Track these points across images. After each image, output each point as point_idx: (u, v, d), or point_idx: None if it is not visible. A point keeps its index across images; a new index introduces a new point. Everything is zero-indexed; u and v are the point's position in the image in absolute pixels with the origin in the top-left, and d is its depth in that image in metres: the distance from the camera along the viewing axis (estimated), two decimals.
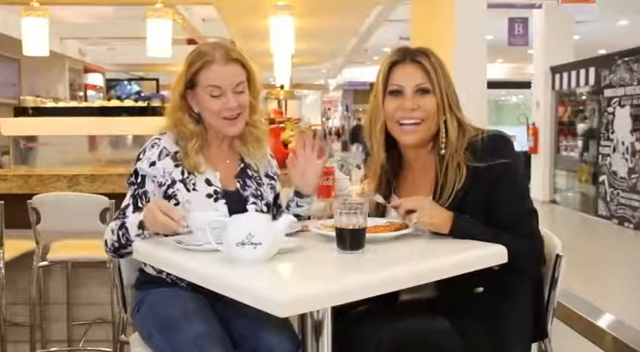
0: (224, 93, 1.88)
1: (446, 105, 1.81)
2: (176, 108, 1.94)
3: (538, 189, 9.74)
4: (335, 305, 1.44)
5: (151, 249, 1.72)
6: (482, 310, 1.73)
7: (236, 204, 1.86)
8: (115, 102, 5.08)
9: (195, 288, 1.76)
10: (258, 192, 1.99)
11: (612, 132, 8.13)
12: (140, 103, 5.03)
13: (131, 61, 13.71)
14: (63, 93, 11.82)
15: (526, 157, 10.19)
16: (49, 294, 3.23)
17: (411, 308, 1.85)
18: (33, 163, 4.24)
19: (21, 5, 6.25)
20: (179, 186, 1.89)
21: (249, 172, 2.01)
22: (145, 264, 1.91)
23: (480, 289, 1.72)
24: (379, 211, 1.94)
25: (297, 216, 1.91)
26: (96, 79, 13.88)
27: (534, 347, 1.86)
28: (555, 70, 9.98)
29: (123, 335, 2.04)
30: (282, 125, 3.39)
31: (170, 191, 1.88)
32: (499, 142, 1.78)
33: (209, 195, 1.90)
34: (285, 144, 3.23)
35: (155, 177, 1.89)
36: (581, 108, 9.53)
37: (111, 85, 12.80)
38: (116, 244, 1.83)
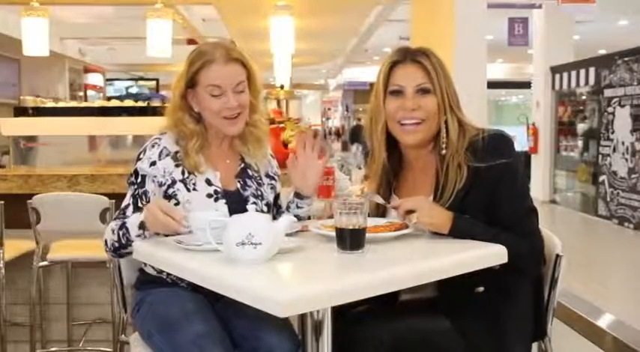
0: (224, 93, 1.88)
1: (446, 105, 1.81)
2: (176, 108, 1.94)
3: (538, 189, 9.74)
4: (335, 305, 1.44)
5: (151, 249, 1.72)
6: (482, 310, 1.73)
7: (236, 204, 1.86)
8: (115, 102, 5.08)
9: (195, 288, 1.76)
10: (259, 192, 1.99)
11: (612, 132, 8.13)
12: (140, 103, 5.03)
13: (131, 61, 13.71)
14: (63, 93, 11.82)
15: (526, 157, 10.20)
16: (49, 294, 3.23)
17: (411, 308, 1.85)
18: (33, 163, 4.24)
19: (21, 5, 6.25)
20: (179, 185, 1.89)
21: (250, 172, 2.01)
22: (145, 264, 1.91)
23: (481, 288, 1.72)
24: (379, 211, 1.94)
25: (296, 216, 1.90)
26: (96, 79, 13.89)
27: (534, 346, 1.87)
28: (555, 70, 9.98)
29: (123, 335, 2.04)
30: (282, 125, 3.39)
31: (170, 191, 1.88)
32: (500, 142, 1.78)
33: (209, 195, 1.90)
34: (285, 144, 3.23)
35: (155, 176, 1.89)
36: (581, 108, 9.53)
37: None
38: (116, 244, 1.83)
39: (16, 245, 3.02)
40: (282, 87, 5.82)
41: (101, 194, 2.88)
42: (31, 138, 4.28)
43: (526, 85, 13.40)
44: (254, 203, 1.86)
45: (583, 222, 8.58)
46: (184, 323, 1.70)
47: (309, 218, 2.03)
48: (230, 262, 1.51)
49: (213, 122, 1.92)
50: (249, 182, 1.99)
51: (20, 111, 4.71)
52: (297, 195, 1.98)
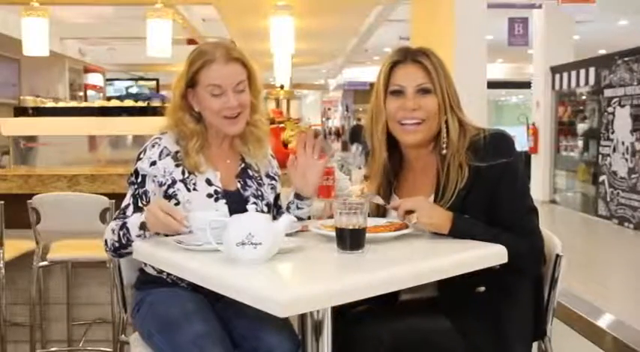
0: (224, 93, 1.88)
1: (447, 105, 1.81)
2: (177, 108, 1.94)
3: (538, 189, 9.74)
4: (335, 305, 1.44)
5: (151, 248, 1.72)
6: (483, 309, 1.73)
7: (236, 204, 1.86)
8: (115, 102, 5.08)
9: (195, 288, 1.76)
10: (259, 193, 1.98)
11: (612, 132, 8.13)
12: (140, 103, 5.03)
13: (131, 61, 13.72)
14: (63, 93, 11.83)
15: (526, 157, 10.20)
16: (49, 294, 3.23)
17: (411, 307, 1.85)
18: (33, 163, 4.23)
19: (21, 5, 6.25)
20: (179, 185, 1.89)
21: (250, 172, 2.01)
22: (146, 264, 1.91)
23: (482, 288, 1.72)
24: (380, 212, 1.94)
25: (296, 217, 1.90)
26: (96, 79, 13.90)
27: (534, 346, 1.87)
28: (555, 70, 9.98)
29: (123, 335, 2.04)
30: (282, 125, 3.39)
31: (170, 191, 1.88)
32: (501, 141, 1.78)
33: (209, 195, 1.90)
34: (285, 144, 3.23)
35: (155, 176, 1.89)
36: (581, 108, 9.53)
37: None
38: (116, 244, 1.83)
39: (16, 245, 3.02)
40: (282, 87, 5.82)
41: (101, 194, 2.88)
42: (31, 138, 4.28)
43: (526, 85, 13.40)
44: (254, 203, 1.86)
45: (583, 222, 8.58)
46: (184, 323, 1.70)
47: (309, 218, 2.02)
48: (230, 262, 1.51)
49: (213, 122, 1.92)
50: (249, 182, 1.99)
51: (20, 111, 4.72)
52: (297, 195, 1.98)
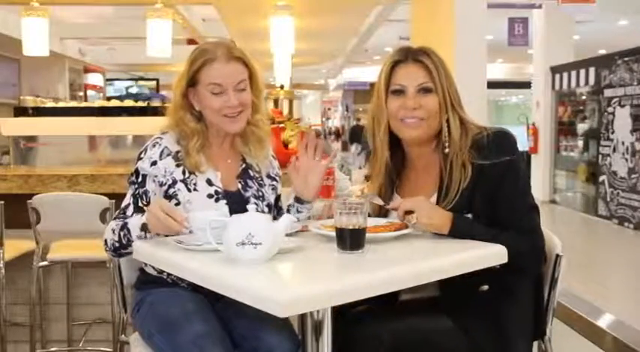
0: (225, 91, 1.87)
1: (448, 103, 1.81)
2: (178, 107, 1.93)
3: (538, 189, 9.74)
4: (335, 305, 1.44)
5: (151, 249, 1.72)
6: (484, 308, 1.73)
7: (237, 204, 1.86)
8: (115, 103, 5.08)
9: (195, 288, 1.75)
10: (260, 193, 1.98)
11: (612, 132, 8.13)
12: (140, 103, 5.03)
13: (131, 61, 13.73)
14: (63, 93, 11.83)
15: (526, 157, 10.20)
16: (49, 294, 3.23)
17: (411, 307, 1.85)
18: (33, 163, 4.23)
19: (21, 5, 6.25)
20: (180, 185, 1.88)
21: (251, 173, 2.01)
22: (146, 264, 1.91)
23: (485, 287, 1.72)
24: (381, 212, 1.94)
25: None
26: (96, 79, 13.90)
27: (534, 346, 1.87)
28: (555, 70, 9.98)
29: (123, 335, 2.04)
30: (282, 125, 3.39)
31: (171, 191, 1.88)
32: (503, 139, 1.79)
33: (210, 196, 1.89)
34: (286, 144, 3.23)
35: (156, 176, 1.89)
36: (581, 108, 9.53)
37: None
38: (117, 244, 1.83)
39: (16, 245, 3.02)
40: (282, 87, 5.82)
41: (101, 194, 2.88)
42: (31, 138, 4.28)
43: (526, 85, 13.40)
44: (255, 204, 1.86)
45: (583, 222, 8.58)
46: (184, 323, 1.70)
47: (308, 218, 2.02)
48: (230, 262, 1.51)
49: (214, 120, 1.92)
50: (250, 183, 1.98)
51: (20, 111, 4.72)
52: (297, 199, 1.97)
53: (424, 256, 1.65)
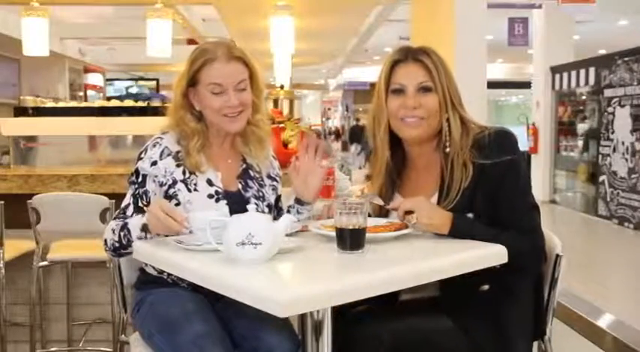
0: (225, 91, 1.87)
1: (448, 103, 1.81)
2: (178, 107, 1.93)
3: (538, 189, 9.74)
4: (335, 305, 1.43)
5: (151, 249, 1.72)
6: (484, 308, 1.73)
7: (237, 204, 1.85)
8: (115, 102, 5.07)
9: (195, 288, 1.75)
10: (260, 194, 1.98)
11: (612, 132, 8.13)
12: (140, 103, 5.02)
13: (131, 61, 13.73)
14: (63, 93, 11.83)
15: (526, 157, 10.20)
16: (49, 294, 3.23)
17: (411, 307, 1.85)
18: (33, 163, 4.23)
19: (21, 5, 6.25)
20: (180, 186, 1.88)
21: (252, 173, 2.01)
22: (146, 264, 1.91)
23: (486, 287, 1.72)
24: (382, 212, 1.94)
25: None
26: (96, 79, 13.90)
27: (534, 346, 1.87)
28: (555, 70, 9.98)
29: (123, 335, 2.04)
30: (282, 125, 3.39)
31: (171, 191, 1.88)
32: (505, 138, 1.79)
33: (210, 196, 1.89)
34: (285, 144, 3.23)
35: (156, 176, 1.89)
36: (581, 108, 9.53)
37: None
38: (116, 244, 1.83)
39: (16, 245, 3.02)
40: (282, 87, 5.82)
41: (101, 194, 2.88)
42: (31, 138, 4.27)
43: (526, 85, 13.40)
44: (255, 204, 1.86)
45: (583, 222, 8.58)
46: (184, 324, 1.70)
47: (308, 218, 2.02)
48: (230, 262, 1.51)
49: (214, 120, 1.92)
50: (250, 183, 1.98)
51: (20, 111, 4.70)
52: (298, 200, 1.97)
53: (424, 256, 1.65)
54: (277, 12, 6.61)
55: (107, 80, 13.99)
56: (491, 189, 1.74)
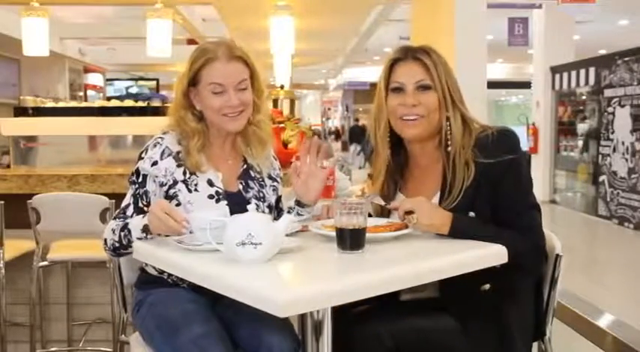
0: (226, 91, 1.87)
1: (448, 101, 1.81)
2: (179, 106, 1.93)
3: (538, 189, 9.74)
4: (335, 305, 1.43)
5: (151, 248, 1.72)
6: (485, 308, 1.73)
7: (238, 205, 1.85)
8: (115, 103, 5.07)
9: (195, 289, 1.75)
10: (261, 194, 1.98)
11: (612, 132, 8.14)
12: (140, 103, 5.01)
13: (131, 61, 13.73)
14: (63, 93, 11.82)
15: (528, 157, 10.20)
16: (49, 294, 3.23)
17: (411, 307, 1.85)
18: (33, 163, 4.23)
19: (21, 5, 6.26)
20: (181, 186, 1.88)
21: (252, 173, 2.00)
22: (147, 264, 1.90)
23: (487, 286, 1.73)
24: (383, 212, 1.94)
25: None
26: (96, 79, 13.90)
27: (534, 346, 1.87)
28: (555, 70, 9.99)
29: (123, 335, 2.04)
30: (282, 125, 3.39)
31: (171, 191, 1.88)
32: (507, 138, 1.79)
33: (211, 196, 1.89)
34: (285, 144, 3.23)
35: (157, 176, 1.89)
36: (581, 108, 9.54)
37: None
38: (116, 244, 1.83)
39: (16, 245, 3.02)
40: (282, 87, 5.82)
41: (101, 194, 2.88)
42: (31, 138, 4.26)
43: (526, 85, 13.40)
44: (256, 204, 1.86)
45: (583, 222, 8.59)
46: (185, 324, 1.70)
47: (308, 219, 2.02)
48: (230, 262, 1.51)
49: (214, 120, 1.92)
50: (251, 183, 1.98)
51: (20, 111, 4.70)
52: (298, 202, 1.96)
53: (424, 256, 1.65)
54: (277, 12, 6.61)
55: (107, 80, 13.99)
56: (492, 189, 1.74)
